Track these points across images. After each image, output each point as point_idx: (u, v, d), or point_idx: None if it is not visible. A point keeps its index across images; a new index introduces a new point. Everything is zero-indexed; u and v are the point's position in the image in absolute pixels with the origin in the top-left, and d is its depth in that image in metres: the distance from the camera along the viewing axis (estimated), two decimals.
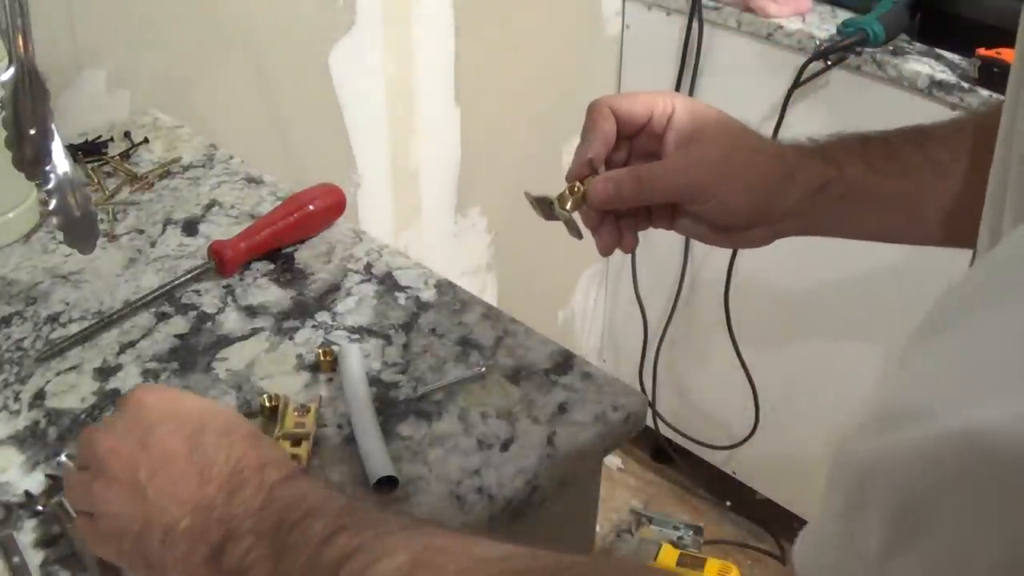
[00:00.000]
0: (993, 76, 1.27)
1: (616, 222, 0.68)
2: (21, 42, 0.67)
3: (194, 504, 0.53)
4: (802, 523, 1.85)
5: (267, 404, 0.72)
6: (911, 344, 0.31)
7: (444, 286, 0.86)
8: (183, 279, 0.85)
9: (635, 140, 0.69)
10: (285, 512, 0.51)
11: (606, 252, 0.69)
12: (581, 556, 0.45)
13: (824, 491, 0.32)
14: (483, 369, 0.76)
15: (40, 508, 0.65)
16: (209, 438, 0.55)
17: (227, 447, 0.54)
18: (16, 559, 0.62)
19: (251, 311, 0.83)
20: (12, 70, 0.67)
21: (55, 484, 0.67)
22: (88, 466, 0.56)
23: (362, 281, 0.87)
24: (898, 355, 0.32)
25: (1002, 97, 0.49)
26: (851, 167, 0.66)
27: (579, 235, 0.69)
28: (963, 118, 0.68)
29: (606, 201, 0.66)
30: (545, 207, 0.68)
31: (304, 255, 0.90)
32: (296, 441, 0.69)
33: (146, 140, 1.07)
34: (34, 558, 0.62)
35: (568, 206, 0.66)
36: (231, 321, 0.82)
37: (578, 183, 0.66)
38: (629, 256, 1.80)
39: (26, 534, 0.64)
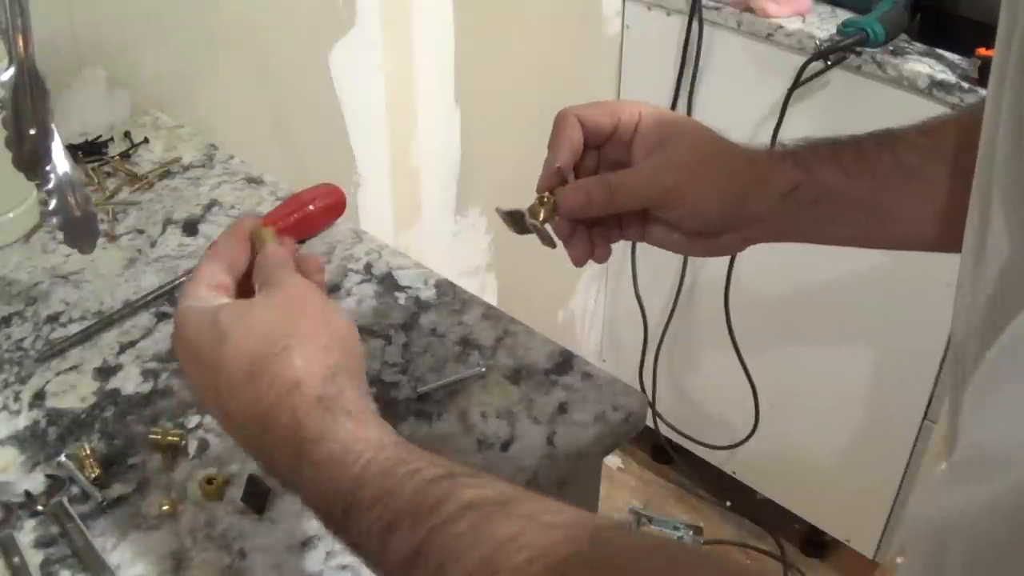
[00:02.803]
0: None
1: (588, 232, 0.68)
2: (21, 42, 0.67)
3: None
4: (802, 523, 1.85)
5: None
6: (983, 383, 0.30)
7: (444, 286, 0.86)
8: (183, 279, 0.85)
9: (603, 149, 0.68)
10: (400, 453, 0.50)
11: (579, 263, 0.68)
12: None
13: (904, 553, 0.31)
14: (483, 369, 0.76)
15: (40, 508, 0.65)
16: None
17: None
18: (16, 559, 0.62)
19: None
20: (12, 70, 0.67)
21: (55, 484, 0.67)
22: None
23: (362, 281, 0.87)
24: (968, 396, 0.30)
25: None
26: (822, 171, 0.65)
27: (552, 244, 0.68)
28: (935, 120, 0.67)
29: (578, 209, 0.65)
30: (517, 220, 0.68)
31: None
32: None
33: (146, 140, 1.07)
34: (34, 558, 0.62)
35: (540, 217, 0.66)
36: None
37: (548, 193, 0.66)
38: (629, 256, 1.81)
39: (26, 534, 0.64)
